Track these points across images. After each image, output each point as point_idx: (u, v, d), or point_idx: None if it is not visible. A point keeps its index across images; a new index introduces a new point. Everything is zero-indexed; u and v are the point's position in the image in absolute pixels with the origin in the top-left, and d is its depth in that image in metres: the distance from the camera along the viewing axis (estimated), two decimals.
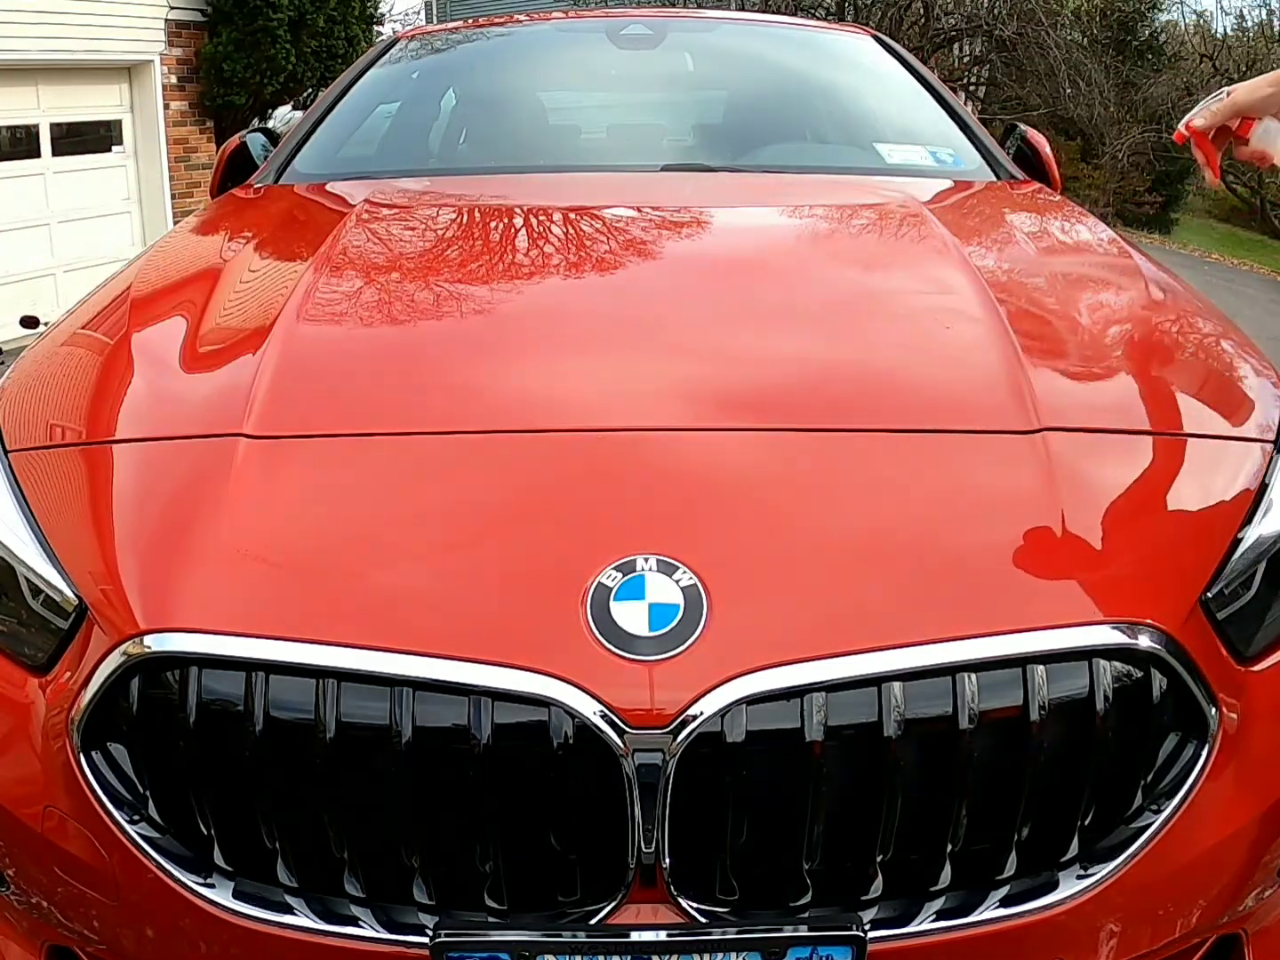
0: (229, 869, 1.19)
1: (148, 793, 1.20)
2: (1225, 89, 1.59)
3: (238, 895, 1.18)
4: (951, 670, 1.14)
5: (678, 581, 1.17)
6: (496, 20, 3.62)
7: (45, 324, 2.63)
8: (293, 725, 1.14)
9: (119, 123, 9.10)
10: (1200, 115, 1.59)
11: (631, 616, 1.15)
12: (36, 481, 1.39)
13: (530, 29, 3.43)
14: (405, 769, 1.12)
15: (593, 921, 1.15)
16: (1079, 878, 1.19)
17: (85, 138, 8.81)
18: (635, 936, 1.15)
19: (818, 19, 12.12)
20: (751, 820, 1.14)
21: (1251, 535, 1.31)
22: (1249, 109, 1.55)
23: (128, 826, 1.19)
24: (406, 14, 19.38)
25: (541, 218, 2.15)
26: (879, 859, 1.16)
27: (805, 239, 2.11)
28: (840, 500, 1.31)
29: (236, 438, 1.36)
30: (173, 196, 9.26)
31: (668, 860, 1.14)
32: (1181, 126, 1.62)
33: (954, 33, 15.44)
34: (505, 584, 1.20)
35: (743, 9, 13.16)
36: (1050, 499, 1.29)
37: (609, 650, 1.14)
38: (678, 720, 1.11)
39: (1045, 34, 14.51)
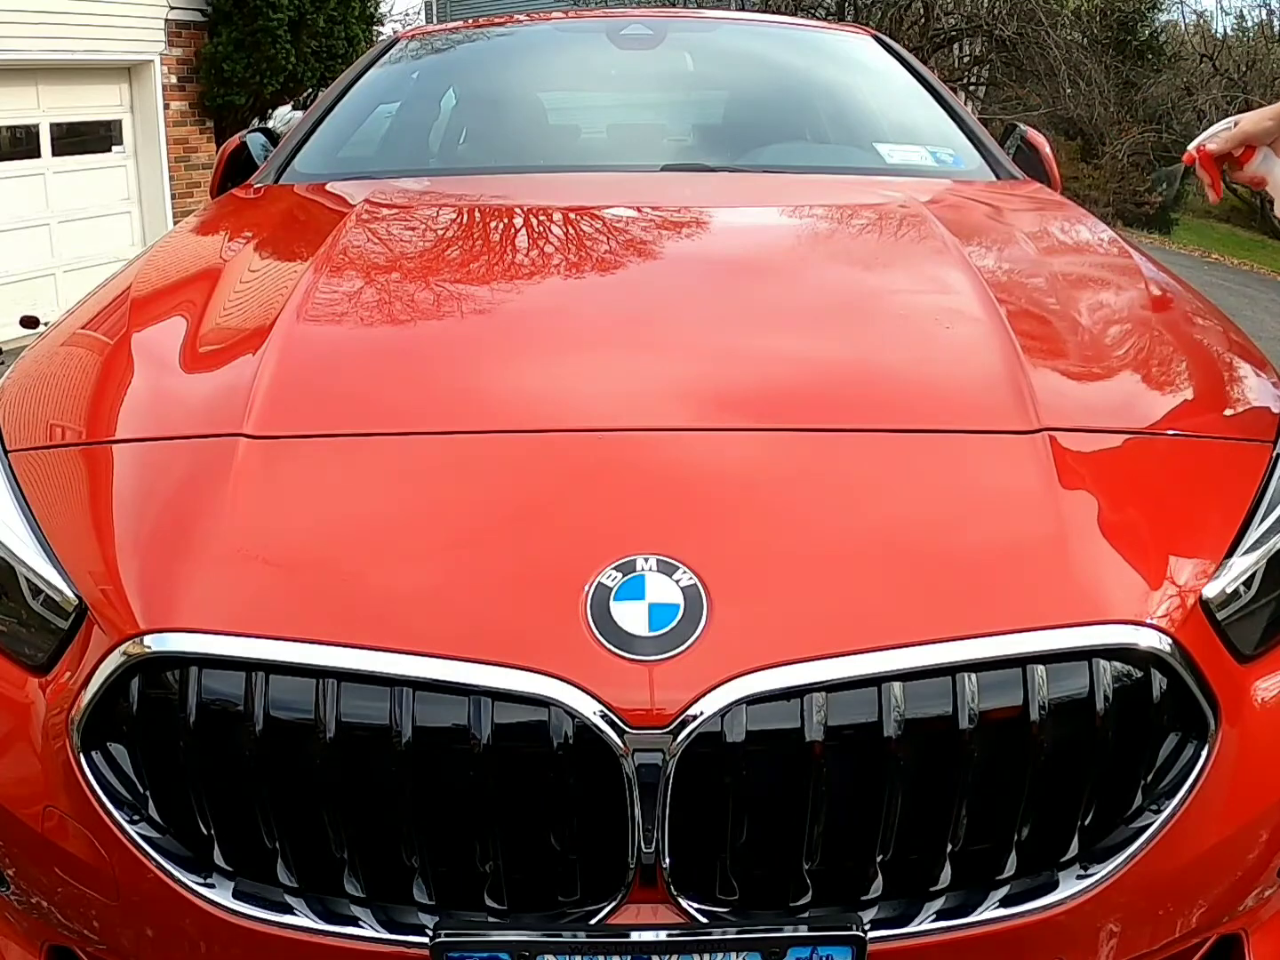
0: (229, 869, 1.19)
1: (148, 793, 1.20)
2: (1232, 119, 1.70)
3: (238, 895, 1.18)
4: (951, 670, 1.14)
5: (678, 581, 1.17)
6: (496, 20, 3.62)
7: (45, 324, 2.63)
8: (293, 725, 1.14)
9: (119, 123, 9.09)
10: (1214, 140, 1.69)
11: (631, 616, 1.15)
12: (36, 481, 1.39)
13: (530, 29, 3.43)
14: (405, 769, 1.12)
15: (593, 921, 1.15)
16: (1079, 878, 1.19)
17: (85, 138, 8.80)
18: (635, 936, 1.15)
19: (818, 19, 12.12)
20: (751, 820, 1.14)
21: (1251, 535, 1.31)
22: (1255, 138, 1.66)
23: (128, 826, 1.19)
24: (406, 14, 19.38)
25: (541, 218, 2.15)
26: (879, 859, 1.16)
27: (805, 239, 2.11)
28: (840, 500, 1.31)
29: (236, 438, 1.36)
30: (173, 196, 9.25)
31: (668, 860, 1.14)
32: (1193, 149, 1.72)
33: (954, 33, 15.44)
34: (505, 584, 1.20)
35: (743, 9, 13.16)
36: (1050, 499, 1.29)
37: (609, 650, 1.14)
38: (678, 720, 1.11)
39: (1045, 34, 14.52)
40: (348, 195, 2.25)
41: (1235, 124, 1.68)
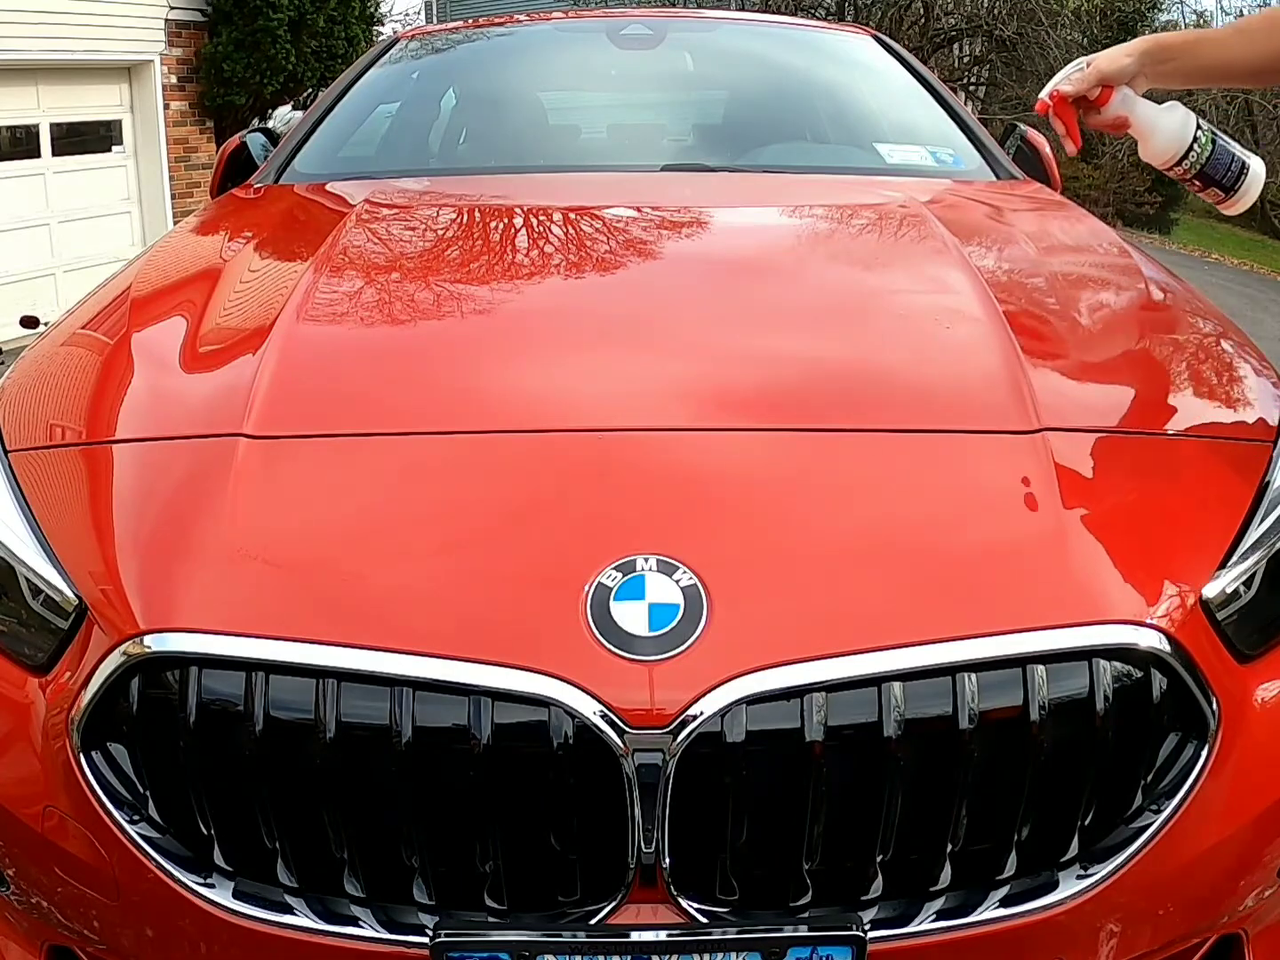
0: (229, 869, 1.19)
1: (148, 793, 1.20)
2: (1085, 59, 1.57)
3: (238, 895, 1.18)
4: (951, 670, 1.14)
5: (678, 581, 1.17)
6: (496, 20, 3.62)
7: (45, 324, 2.63)
8: (293, 725, 1.14)
9: (119, 123, 9.09)
10: (1067, 83, 1.56)
11: (631, 616, 1.15)
12: (36, 481, 1.39)
13: (530, 29, 3.43)
14: (405, 769, 1.12)
15: (593, 921, 1.15)
16: (1079, 878, 1.19)
17: (85, 138, 8.80)
18: (635, 936, 1.15)
19: (818, 19, 12.13)
20: (751, 820, 1.14)
21: (1251, 535, 1.31)
22: (1111, 78, 1.54)
23: (128, 826, 1.19)
24: (406, 14, 19.36)
25: (541, 218, 2.15)
26: (879, 859, 1.16)
27: (805, 239, 2.11)
28: (840, 500, 1.31)
29: (236, 438, 1.36)
30: (173, 196, 9.26)
31: (668, 860, 1.14)
32: (1045, 95, 1.58)
33: (954, 33, 15.46)
34: (505, 584, 1.20)
35: (743, 9, 13.16)
36: (1050, 499, 1.29)
37: (609, 650, 1.14)
38: (678, 720, 1.11)
39: (1045, 34, 14.53)
40: (348, 195, 2.25)
41: (1088, 64, 1.55)
